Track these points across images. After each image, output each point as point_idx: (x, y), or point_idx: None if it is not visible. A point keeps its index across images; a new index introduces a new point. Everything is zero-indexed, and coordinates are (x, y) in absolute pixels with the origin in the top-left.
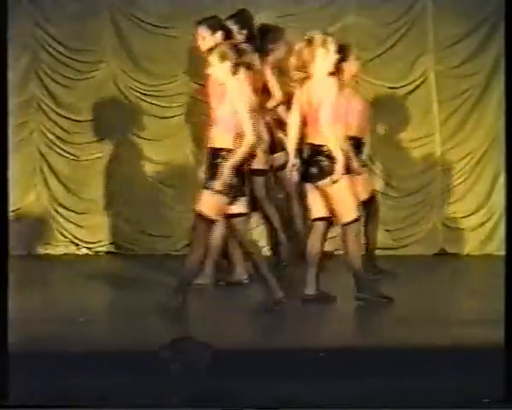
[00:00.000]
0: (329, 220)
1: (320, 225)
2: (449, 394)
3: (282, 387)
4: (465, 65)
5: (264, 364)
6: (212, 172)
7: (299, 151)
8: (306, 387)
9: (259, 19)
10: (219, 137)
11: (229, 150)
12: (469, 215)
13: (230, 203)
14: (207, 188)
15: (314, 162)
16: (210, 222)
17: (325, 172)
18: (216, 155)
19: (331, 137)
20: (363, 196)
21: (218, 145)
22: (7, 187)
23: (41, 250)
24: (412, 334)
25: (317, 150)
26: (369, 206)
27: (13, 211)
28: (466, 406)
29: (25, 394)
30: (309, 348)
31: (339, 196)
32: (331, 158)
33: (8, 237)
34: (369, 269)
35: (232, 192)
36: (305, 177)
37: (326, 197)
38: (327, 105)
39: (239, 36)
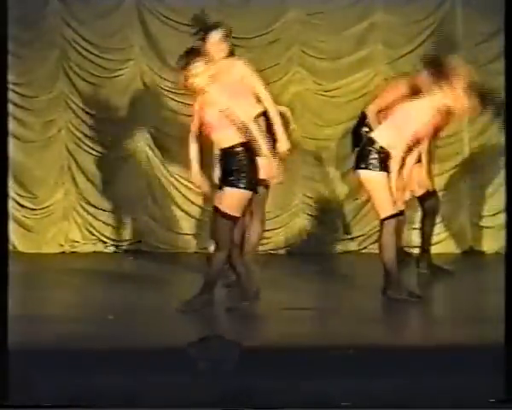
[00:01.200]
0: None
1: (390, 222)
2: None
3: (308, 386)
4: (493, 63)
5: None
6: (230, 170)
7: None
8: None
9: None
10: (224, 137)
11: (243, 144)
12: (497, 213)
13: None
14: (231, 186)
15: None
16: (234, 220)
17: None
18: (229, 153)
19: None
20: (419, 192)
21: (227, 145)
22: (7, 186)
23: (69, 248)
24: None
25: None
26: (425, 201)
27: (41, 209)
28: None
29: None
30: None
31: (374, 191)
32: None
33: (9, 236)
34: (424, 266)
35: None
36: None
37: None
38: None
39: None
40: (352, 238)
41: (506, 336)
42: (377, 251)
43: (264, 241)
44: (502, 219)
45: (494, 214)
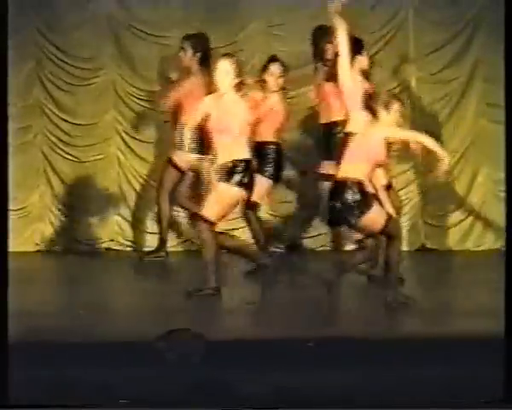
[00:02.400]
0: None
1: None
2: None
3: (276, 378)
4: (443, 72)
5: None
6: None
7: None
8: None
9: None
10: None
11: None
12: (448, 213)
13: None
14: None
15: None
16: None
17: None
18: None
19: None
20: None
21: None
22: (7, 185)
23: (44, 247)
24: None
25: None
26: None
27: (18, 210)
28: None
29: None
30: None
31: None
32: None
33: (9, 234)
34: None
35: None
36: None
37: None
38: None
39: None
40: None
41: (506, 332)
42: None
43: None
44: (453, 218)
45: (445, 214)
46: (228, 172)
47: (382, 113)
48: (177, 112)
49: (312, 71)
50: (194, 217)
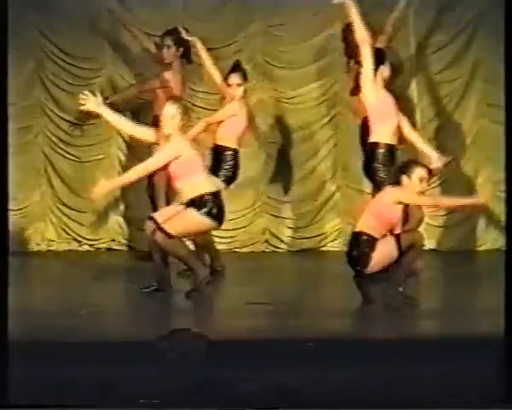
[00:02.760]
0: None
1: None
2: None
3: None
4: (443, 73)
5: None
6: None
7: None
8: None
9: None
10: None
11: None
12: (448, 214)
13: None
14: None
15: None
16: None
17: None
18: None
19: None
20: None
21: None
22: (7, 185)
23: (45, 247)
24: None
25: None
26: None
27: (18, 209)
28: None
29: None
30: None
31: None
32: None
33: (9, 233)
34: None
35: None
36: None
37: None
38: None
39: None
40: (311, 237)
41: (506, 331)
42: (335, 249)
43: (229, 239)
44: (452, 219)
45: (445, 215)
46: (197, 205)
47: (404, 179)
48: (154, 104)
49: (346, 70)
50: (154, 223)
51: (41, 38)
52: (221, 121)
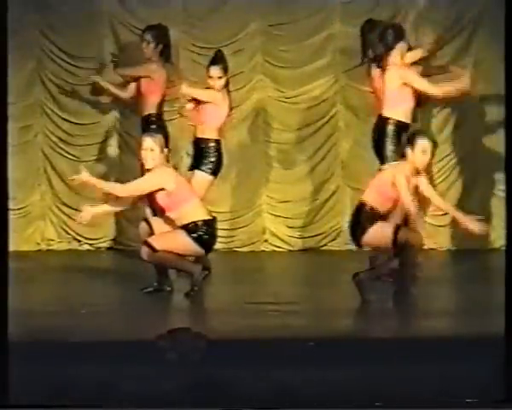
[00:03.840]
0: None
1: None
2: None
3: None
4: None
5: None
6: None
7: None
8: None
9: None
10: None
11: None
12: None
13: None
14: None
15: None
16: None
17: None
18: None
19: None
20: None
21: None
22: (7, 184)
23: (45, 246)
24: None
25: None
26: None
27: (18, 209)
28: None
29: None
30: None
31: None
32: None
33: (9, 233)
34: None
35: None
36: None
37: None
38: None
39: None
40: (311, 236)
41: (506, 331)
42: (336, 248)
43: (229, 239)
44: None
45: (444, 214)
46: (189, 229)
47: (408, 151)
48: (138, 101)
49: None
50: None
51: (41, 38)
52: (201, 115)
